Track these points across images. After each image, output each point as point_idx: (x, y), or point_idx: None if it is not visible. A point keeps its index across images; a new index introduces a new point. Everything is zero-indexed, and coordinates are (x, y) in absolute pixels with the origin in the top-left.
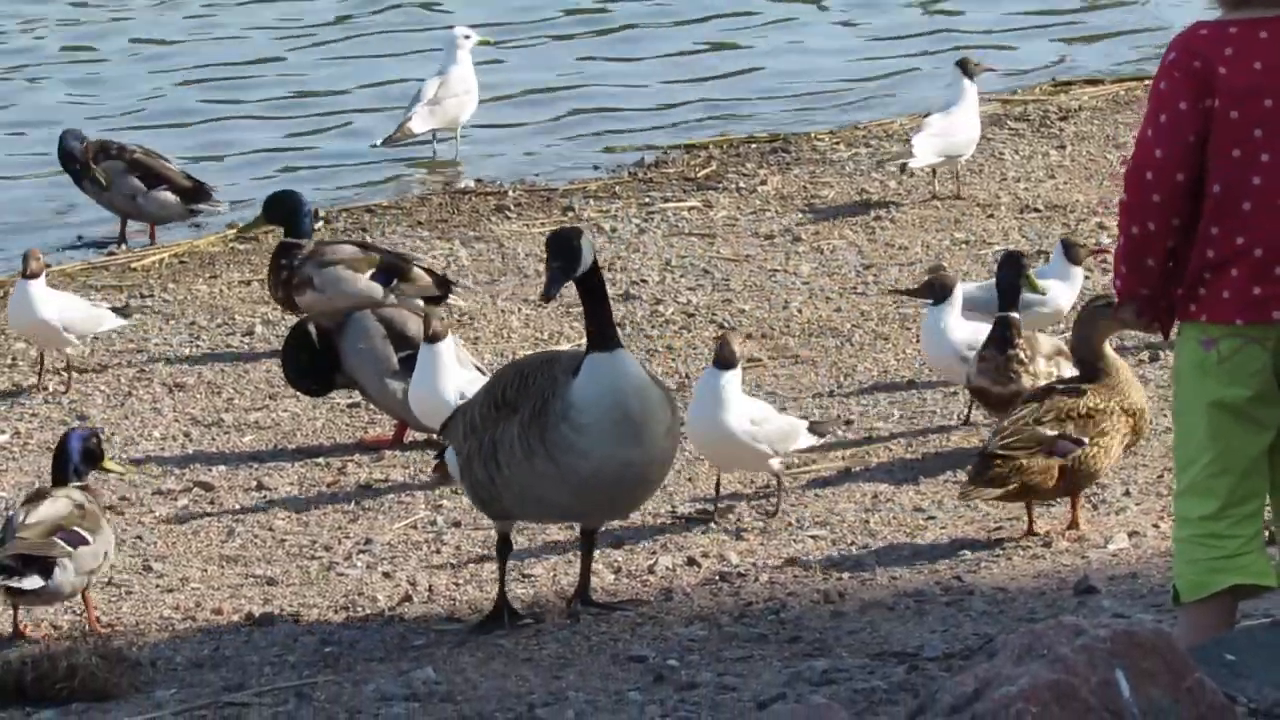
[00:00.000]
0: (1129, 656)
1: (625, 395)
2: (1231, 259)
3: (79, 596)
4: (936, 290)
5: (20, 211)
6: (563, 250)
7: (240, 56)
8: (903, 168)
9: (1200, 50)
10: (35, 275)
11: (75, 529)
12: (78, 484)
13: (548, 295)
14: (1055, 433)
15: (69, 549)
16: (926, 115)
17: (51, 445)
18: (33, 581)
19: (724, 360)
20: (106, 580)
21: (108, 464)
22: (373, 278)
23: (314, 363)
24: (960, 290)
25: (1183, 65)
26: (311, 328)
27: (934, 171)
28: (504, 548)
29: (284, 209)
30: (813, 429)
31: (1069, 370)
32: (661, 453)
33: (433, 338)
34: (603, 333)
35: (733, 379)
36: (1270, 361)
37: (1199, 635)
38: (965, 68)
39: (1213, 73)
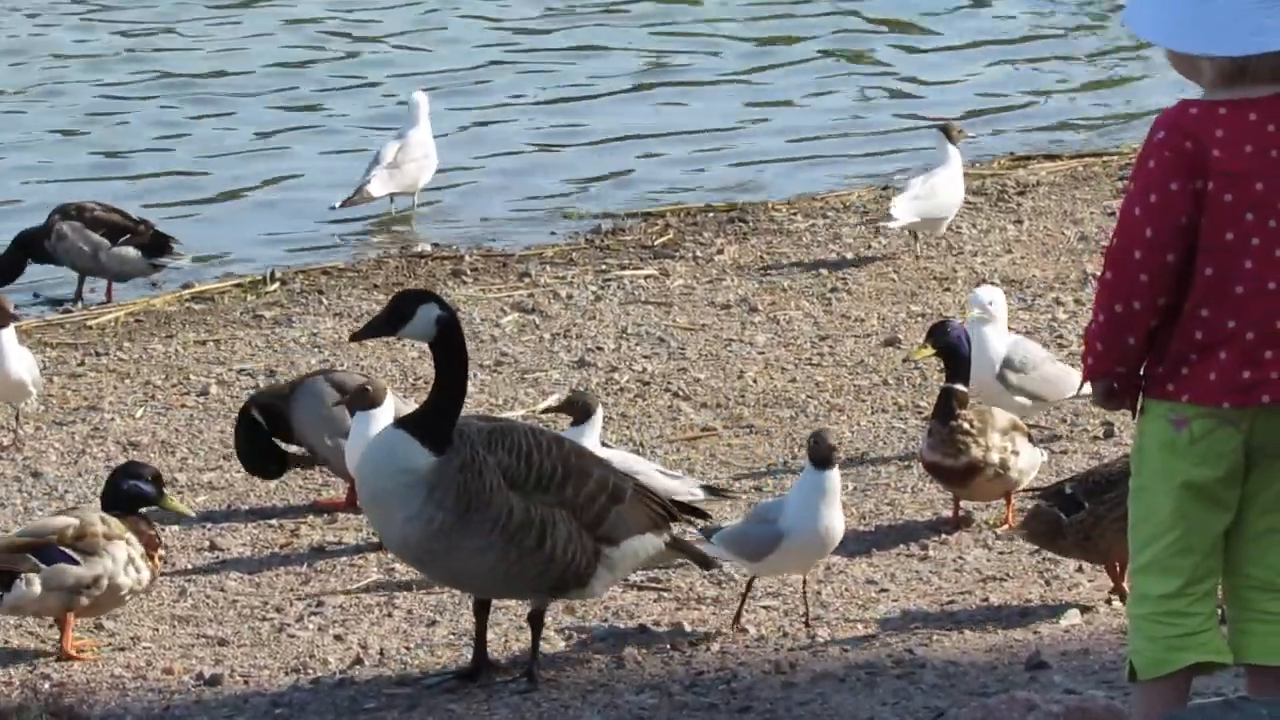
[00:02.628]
0: None
1: (364, 474)
2: (1221, 341)
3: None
4: (578, 410)
5: None
6: (394, 307)
7: (200, 112)
8: (878, 229)
9: (1191, 131)
10: (4, 325)
11: (62, 547)
12: (118, 514)
13: (353, 337)
14: (1067, 488)
15: (39, 565)
16: (907, 178)
17: (4, 501)
18: None
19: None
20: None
21: (170, 503)
22: None
23: (266, 445)
24: (600, 413)
25: (1174, 145)
26: (255, 411)
27: (915, 235)
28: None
29: None
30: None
31: (1024, 445)
32: (408, 538)
33: (369, 403)
34: (421, 408)
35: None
36: (1242, 443)
37: (1153, 713)
38: (948, 133)
39: (1205, 154)
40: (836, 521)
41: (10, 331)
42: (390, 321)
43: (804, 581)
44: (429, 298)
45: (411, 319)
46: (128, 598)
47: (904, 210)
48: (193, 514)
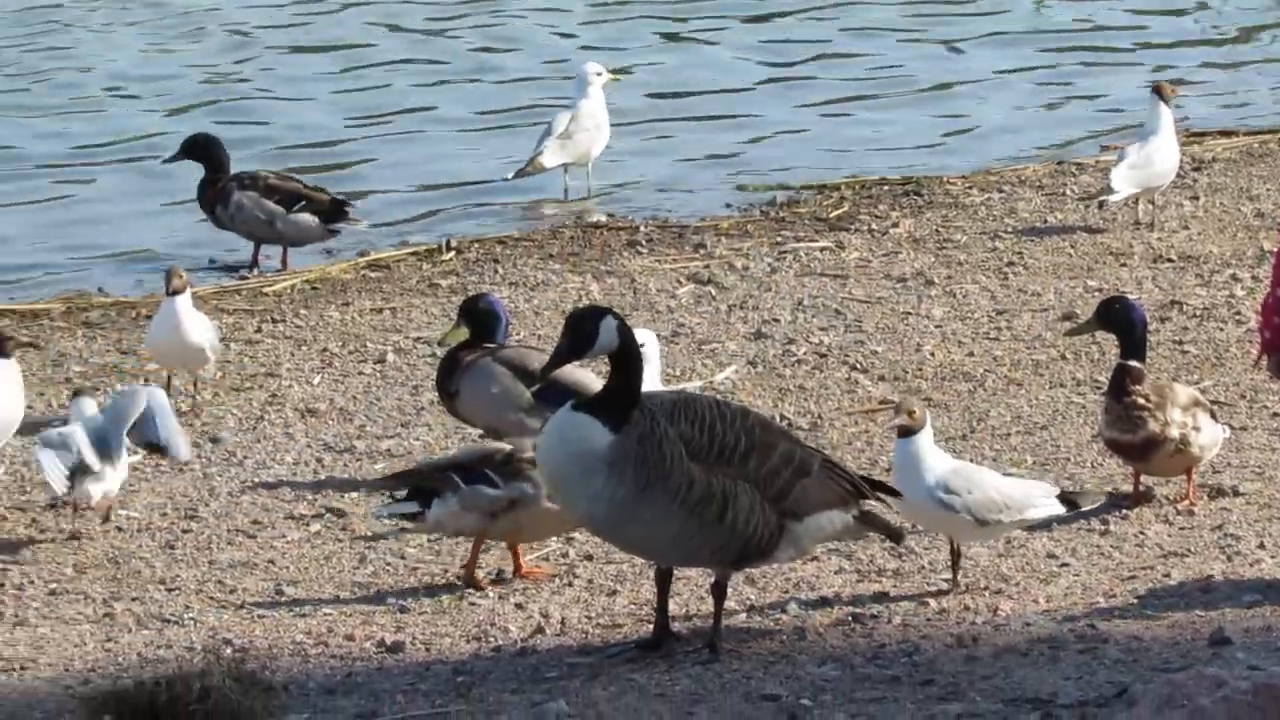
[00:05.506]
0: (1270, 710)
1: (544, 455)
2: None
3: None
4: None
5: (154, 234)
6: (574, 330)
7: (367, 83)
8: (1101, 204)
9: None
10: (179, 292)
11: (486, 470)
12: None
13: (543, 373)
14: None
15: (459, 484)
16: (1123, 145)
17: (183, 466)
18: (403, 507)
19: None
20: (239, 604)
21: None
22: None
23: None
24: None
25: None
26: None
27: (1137, 202)
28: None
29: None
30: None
31: (1206, 421)
32: (594, 515)
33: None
34: (597, 394)
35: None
36: None
37: None
38: (1161, 94)
39: None
40: (923, 483)
41: (186, 298)
42: (576, 345)
43: (954, 550)
44: (604, 311)
45: (598, 337)
46: (551, 529)
47: (1123, 181)
48: None
